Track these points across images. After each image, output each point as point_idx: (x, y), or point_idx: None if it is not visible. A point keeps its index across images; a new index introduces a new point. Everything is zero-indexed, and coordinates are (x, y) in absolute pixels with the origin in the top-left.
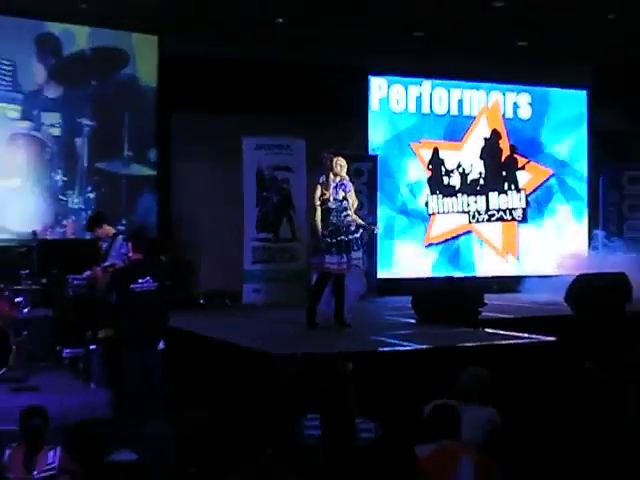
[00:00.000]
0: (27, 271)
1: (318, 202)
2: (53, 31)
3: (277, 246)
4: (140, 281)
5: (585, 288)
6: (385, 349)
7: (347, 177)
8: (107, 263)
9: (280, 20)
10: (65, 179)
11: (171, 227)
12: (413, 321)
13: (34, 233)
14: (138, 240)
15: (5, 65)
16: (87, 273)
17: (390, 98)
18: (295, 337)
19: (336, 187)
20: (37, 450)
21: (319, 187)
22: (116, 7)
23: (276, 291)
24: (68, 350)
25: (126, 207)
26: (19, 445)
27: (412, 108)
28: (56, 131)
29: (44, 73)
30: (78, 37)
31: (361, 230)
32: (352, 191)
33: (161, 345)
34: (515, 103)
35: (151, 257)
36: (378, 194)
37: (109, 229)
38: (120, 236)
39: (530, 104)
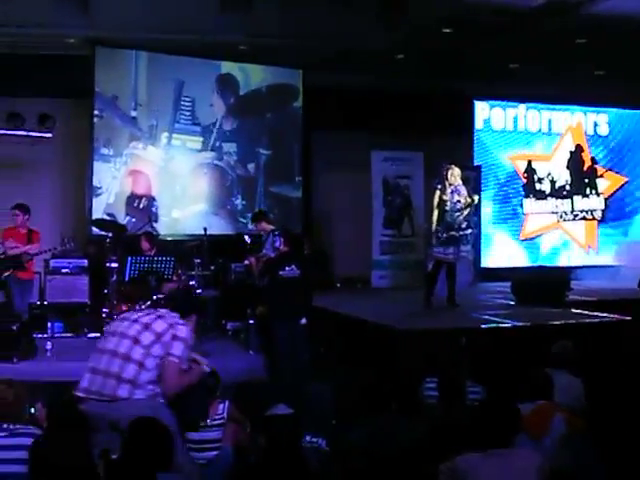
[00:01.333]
0: (199, 260)
1: (436, 204)
2: (229, 71)
3: (400, 240)
4: (287, 269)
5: None
6: (489, 325)
7: (460, 182)
8: (261, 254)
9: (400, 56)
10: (244, 203)
11: (313, 224)
12: (512, 303)
13: (205, 230)
14: (287, 235)
15: (186, 101)
16: (245, 262)
17: (492, 118)
18: (415, 315)
19: (451, 192)
20: (210, 403)
21: (437, 191)
22: (268, 47)
23: (399, 277)
24: (231, 323)
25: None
26: None
27: (510, 126)
28: (234, 160)
29: (223, 108)
30: (253, 76)
31: (471, 230)
32: (465, 194)
33: (304, 320)
34: (595, 122)
35: (296, 249)
36: (482, 197)
37: (267, 226)
38: (275, 232)
39: (608, 123)
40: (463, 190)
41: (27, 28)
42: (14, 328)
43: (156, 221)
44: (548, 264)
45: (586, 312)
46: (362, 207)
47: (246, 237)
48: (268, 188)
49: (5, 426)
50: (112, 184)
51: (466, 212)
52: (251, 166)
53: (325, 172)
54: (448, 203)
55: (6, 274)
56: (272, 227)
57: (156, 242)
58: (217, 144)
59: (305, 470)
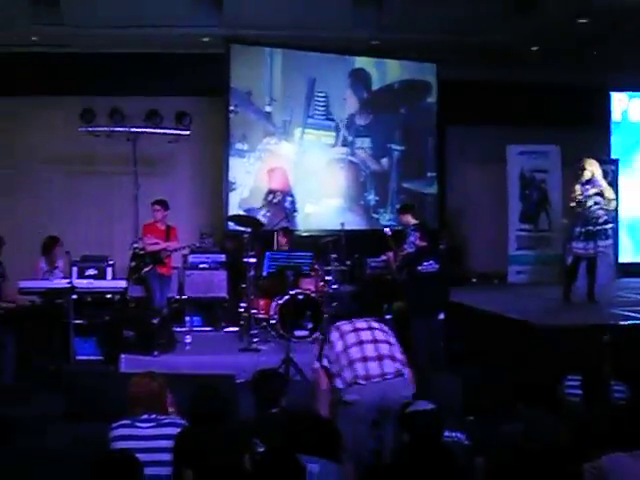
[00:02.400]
0: (335, 255)
1: (574, 197)
2: (362, 67)
3: (536, 235)
4: (425, 264)
5: None
6: (632, 322)
7: (598, 176)
8: (400, 248)
9: (535, 48)
10: (377, 199)
11: (447, 220)
12: None
13: (342, 225)
14: (424, 230)
15: (319, 97)
16: (383, 257)
17: (630, 110)
18: (554, 311)
19: (589, 185)
20: None
21: (576, 185)
22: (400, 41)
23: (536, 272)
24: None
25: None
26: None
27: None
28: (368, 155)
29: (356, 103)
30: (387, 71)
31: (610, 224)
32: (603, 187)
33: (442, 315)
34: None
35: (433, 244)
36: (620, 191)
37: (411, 219)
38: (412, 227)
39: None
40: (601, 184)
41: (164, 28)
42: (155, 322)
43: (292, 216)
44: None
45: None
46: (497, 202)
47: (387, 230)
48: (401, 184)
49: (152, 417)
50: (246, 179)
51: (605, 206)
52: (384, 161)
53: (459, 167)
54: (586, 197)
55: (146, 269)
56: (415, 222)
57: (292, 237)
58: (350, 139)
59: (452, 465)
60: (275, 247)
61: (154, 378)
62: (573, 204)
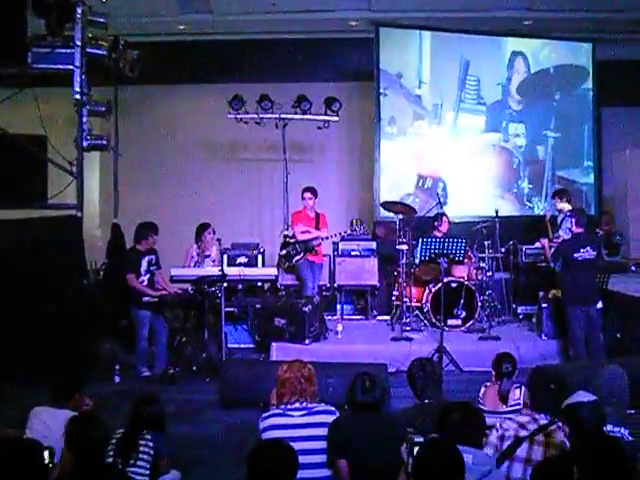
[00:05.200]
0: (489, 242)
1: None
2: (515, 49)
3: None
4: (582, 251)
5: None
6: None
7: None
8: (555, 235)
9: None
10: (531, 187)
11: (604, 205)
12: None
13: (496, 212)
14: (580, 216)
15: (471, 80)
16: (537, 244)
17: None
18: None
19: None
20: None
21: None
22: (554, 20)
23: None
24: (523, 307)
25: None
26: (493, 384)
27: None
28: (521, 141)
29: (510, 88)
30: (540, 56)
31: None
32: None
33: (599, 304)
34: None
35: (590, 231)
36: None
37: (564, 204)
38: (568, 213)
39: None
40: None
41: (313, 13)
42: (306, 310)
43: (444, 203)
44: None
45: None
46: None
47: (547, 212)
48: (556, 172)
49: (303, 405)
50: (396, 164)
51: None
52: (539, 149)
53: (617, 152)
54: None
55: (297, 258)
56: (571, 207)
57: (448, 223)
58: (503, 125)
59: (620, 458)
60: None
61: (305, 365)
62: None
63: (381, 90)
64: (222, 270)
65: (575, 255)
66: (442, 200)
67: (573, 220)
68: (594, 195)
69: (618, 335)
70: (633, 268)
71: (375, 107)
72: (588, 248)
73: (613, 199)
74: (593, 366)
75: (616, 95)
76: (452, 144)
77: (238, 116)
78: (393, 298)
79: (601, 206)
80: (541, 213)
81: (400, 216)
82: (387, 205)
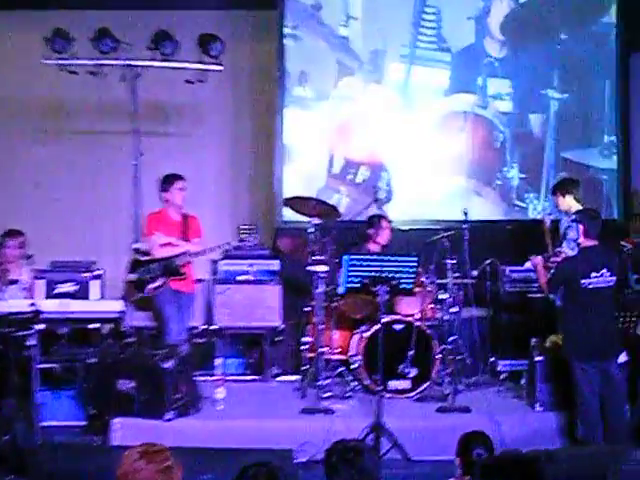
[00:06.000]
0: (454, 261)
1: None
2: None
3: None
4: (594, 275)
5: None
6: None
7: None
8: (556, 250)
9: None
10: (523, 176)
11: (635, 203)
12: None
13: (465, 214)
14: (591, 222)
15: (428, 14)
16: (528, 263)
17: None
18: None
19: None
20: None
21: None
22: None
23: None
24: (505, 362)
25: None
26: (462, 477)
27: None
28: (506, 107)
29: (488, 26)
30: None
31: None
32: None
33: (623, 357)
34: None
35: (608, 244)
36: None
37: (570, 203)
38: (569, 216)
39: None
40: None
41: None
42: (167, 367)
43: (386, 201)
44: None
45: None
46: None
47: (546, 217)
48: (561, 153)
49: None
50: (311, 143)
51: None
52: (534, 118)
53: None
54: None
55: (154, 285)
56: (580, 208)
57: (389, 233)
58: (479, 82)
59: None
60: (365, 247)
61: (162, 452)
62: None
63: (288, 29)
64: (35, 304)
65: (583, 282)
66: (382, 197)
67: (580, 227)
68: (617, 188)
69: None
70: None
71: (277, 55)
72: (604, 271)
73: None
74: (613, 453)
75: None
76: (400, 113)
77: (61, 62)
78: (304, 348)
79: (629, 205)
80: (538, 217)
81: (315, 220)
82: (295, 203)
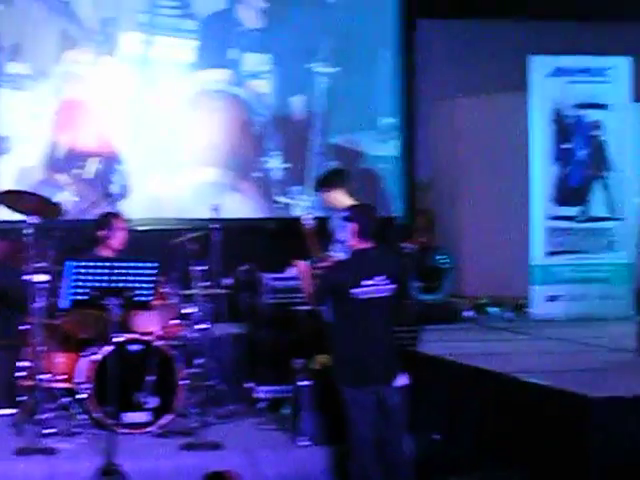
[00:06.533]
0: (204, 267)
1: None
2: None
3: (585, 227)
4: (367, 283)
5: None
6: None
7: None
8: (324, 255)
9: None
10: (287, 167)
11: (420, 202)
12: None
13: (215, 210)
14: (366, 220)
15: None
16: (291, 271)
17: None
18: (618, 371)
19: None
20: None
21: None
22: None
23: (584, 298)
24: (265, 388)
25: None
26: None
27: None
28: (266, 85)
29: None
30: None
31: None
32: None
33: (403, 380)
34: None
35: (387, 245)
36: None
37: (339, 197)
38: (339, 214)
39: None
40: None
41: None
42: None
43: (120, 197)
44: None
45: None
46: (512, 167)
47: (306, 218)
48: (329, 139)
49: None
50: (28, 130)
51: None
52: (299, 99)
53: (440, 101)
54: None
55: None
56: (352, 203)
57: (124, 234)
58: (232, 56)
59: None
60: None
61: None
62: None
63: None
64: None
65: (354, 291)
66: (116, 192)
67: (352, 227)
68: (399, 179)
69: (437, 437)
70: (468, 313)
71: None
72: (380, 278)
73: (435, 187)
74: None
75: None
76: (137, 93)
77: None
78: (20, 375)
79: (412, 200)
80: (306, 212)
81: (33, 219)
82: (7, 199)
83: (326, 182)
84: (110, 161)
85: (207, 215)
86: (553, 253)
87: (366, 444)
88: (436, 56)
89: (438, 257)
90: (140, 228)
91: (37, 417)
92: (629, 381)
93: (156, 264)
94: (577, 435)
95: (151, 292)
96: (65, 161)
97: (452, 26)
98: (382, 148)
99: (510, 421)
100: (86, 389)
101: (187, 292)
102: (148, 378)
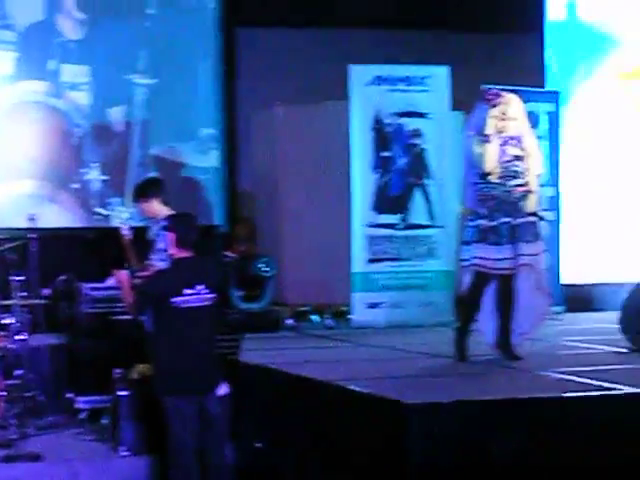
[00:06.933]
0: (21, 278)
1: (479, 164)
2: None
3: (405, 234)
4: (188, 292)
5: None
6: (578, 394)
7: (523, 127)
8: (144, 264)
9: None
10: (105, 178)
11: (242, 210)
12: (623, 350)
13: (32, 219)
14: (185, 229)
15: None
16: (110, 280)
17: (578, 4)
18: (437, 377)
19: (504, 142)
20: None
21: (476, 142)
22: None
23: (405, 305)
24: (85, 398)
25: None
26: None
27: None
28: (85, 97)
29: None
30: None
31: (543, 213)
32: (530, 145)
33: (224, 389)
34: None
35: (207, 255)
36: (560, 153)
37: (160, 209)
38: (158, 223)
39: None
40: (528, 139)
41: None
42: None
43: None
44: None
45: None
46: (332, 173)
47: (124, 228)
48: (149, 150)
49: None
50: None
51: (532, 180)
52: (117, 110)
53: (262, 110)
54: (505, 165)
55: None
56: (169, 213)
57: None
58: (52, 67)
59: None
60: None
61: None
62: (480, 179)
63: None
64: None
65: (175, 300)
66: None
67: (171, 236)
68: (220, 188)
69: (259, 445)
70: (289, 321)
71: None
72: (201, 287)
73: (257, 198)
74: None
75: (260, 11)
76: None
77: None
78: None
79: (234, 209)
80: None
81: None
82: None
83: (142, 192)
84: None
85: (21, 225)
86: (374, 260)
87: (187, 453)
88: (257, 65)
89: (259, 265)
90: None
91: None
92: (447, 387)
93: None
94: (396, 441)
95: None
96: None
97: (273, 35)
98: (203, 159)
99: (332, 428)
100: None
101: (5, 302)
102: None
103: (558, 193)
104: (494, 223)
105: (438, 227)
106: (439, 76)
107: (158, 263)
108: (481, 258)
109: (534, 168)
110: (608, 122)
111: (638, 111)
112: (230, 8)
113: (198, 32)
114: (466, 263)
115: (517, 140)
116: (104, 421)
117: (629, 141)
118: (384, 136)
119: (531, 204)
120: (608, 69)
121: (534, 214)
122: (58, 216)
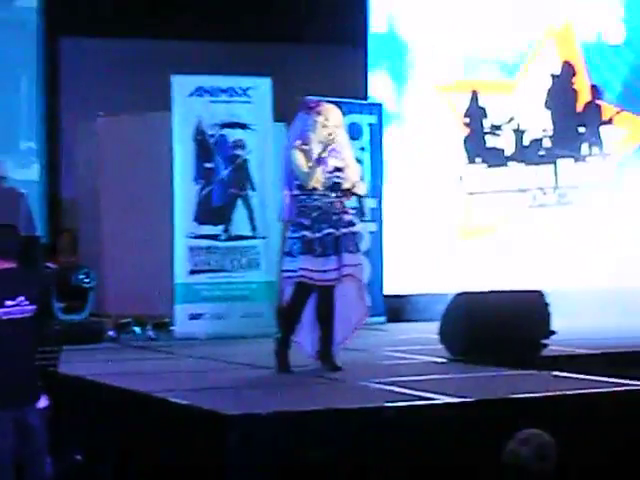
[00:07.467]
0: None
1: (297, 176)
2: None
3: (228, 246)
4: (9, 303)
5: None
6: (397, 404)
7: (342, 137)
8: None
9: None
10: None
11: (61, 219)
12: (441, 360)
13: None
14: (6, 240)
15: None
16: None
17: (401, 15)
18: (257, 388)
19: (323, 154)
20: None
21: (297, 153)
22: None
23: (227, 316)
24: None
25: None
26: None
27: (435, 30)
28: None
29: None
30: None
31: (363, 224)
32: (349, 156)
33: (43, 402)
34: (599, 21)
35: (28, 266)
36: (384, 163)
37: None
38: None
39: (624, 21)
40: (346, 150)
41: None
42: None
43: None
44: (509, 287)
45: (581, 376)
46: (154, 184)
47: None
48: None
49: None
50: None
51: (354, 190)
52: None
53: (85, 121)
54: (319, 175)
55: None
56: None
57: None
58: None
59: None
60: None
61: None
62: (302, 191)
63: None
64: None
65: None
66: None
67: None
68: (41, 200)
69: (79, 457)
70: (110, 333)
71: None
72: (21, 298)
73: (78, 207)
74: None
75: (81, 20)
76: None
77: None
78: None
79: (56, 220)
80: None
81: None
82: None
83: None
84: None
85: None
86: (196, 272)
87: (4, 470)
88: (82, 76)
89: (81, 276)
90: None
91: None
92: (267, 398)
93: None
94: (216, 453)
95: None
96: None
97: (98, 45)
98: (24, 172)
99: (152, 441)
100: None
101: None
102: None
103: (381, 204)
104: (319, 234)
105: (260, 238)
106: (261, 87)
107: None
108: (308, 270)
109: (352, 179)
110: (428, 133)
111: (456, 122)
112: (54, 18)
113: (18, 44)
114: (291, 274)
115: (337, 151)
116: None
117: (448, 152)
118: (206, 147)
119: (352, 215)
120: (426, 82)
121: (354, 224)
122: None
